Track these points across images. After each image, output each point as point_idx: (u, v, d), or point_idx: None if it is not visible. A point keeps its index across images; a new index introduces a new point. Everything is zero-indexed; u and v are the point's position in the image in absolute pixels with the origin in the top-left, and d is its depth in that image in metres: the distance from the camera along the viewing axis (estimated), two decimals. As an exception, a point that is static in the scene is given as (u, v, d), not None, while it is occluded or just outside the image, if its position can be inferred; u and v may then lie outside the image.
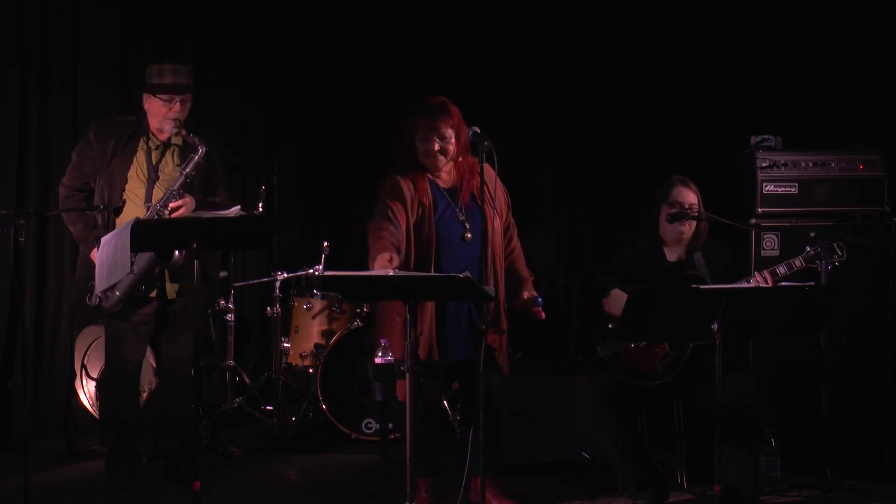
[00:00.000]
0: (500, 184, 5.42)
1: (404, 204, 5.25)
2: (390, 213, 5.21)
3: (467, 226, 5.32)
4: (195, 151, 5.71)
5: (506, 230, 5.50)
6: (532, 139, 7.65)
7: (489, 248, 5.27)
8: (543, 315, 5.42)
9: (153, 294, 5.78)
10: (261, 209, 7.13)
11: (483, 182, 5.22)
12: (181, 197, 5.67)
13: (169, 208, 5.64)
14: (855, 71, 6.90)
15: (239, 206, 5.45)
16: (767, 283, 5.46)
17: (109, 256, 5.38)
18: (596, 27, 7.59)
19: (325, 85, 7.87)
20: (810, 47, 7.02)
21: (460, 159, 5.35)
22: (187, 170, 5.70)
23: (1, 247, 6.79)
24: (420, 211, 5.27)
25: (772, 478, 5.97)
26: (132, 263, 5.42)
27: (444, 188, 5.36)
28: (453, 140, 5.30)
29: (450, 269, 5.15)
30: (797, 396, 6.13)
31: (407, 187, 5.28)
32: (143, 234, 5.28)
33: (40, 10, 7.19)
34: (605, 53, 7.59)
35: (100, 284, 5.49)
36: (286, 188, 7.44)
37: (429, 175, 5.34)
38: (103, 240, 5.48)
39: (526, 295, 5.46)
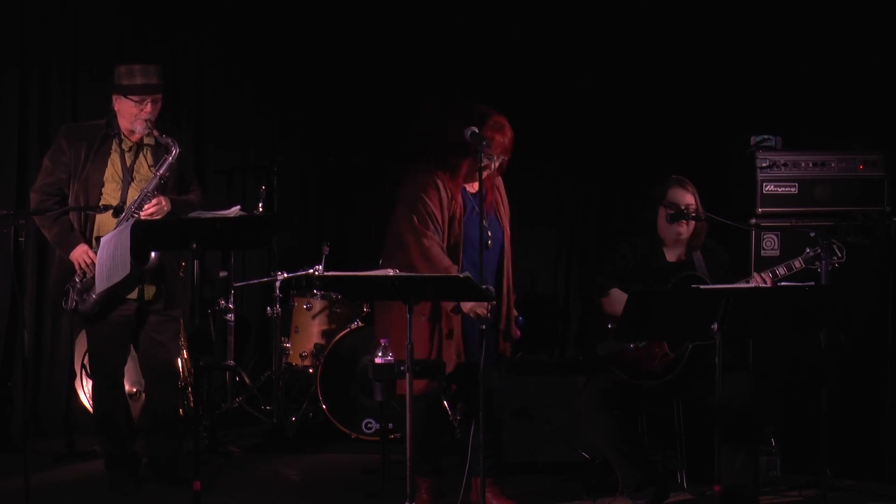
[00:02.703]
0: (506, 197, 5.51)
1: (440, 203, 5.27)
2: (428, 218, 5.22)
3: (489, 233, 5.35)
4: (168, 153, 5.68)
5: None
6: (533, 139, 7.61)
7: (506, 257, 5.40)
8: (519, 334, 5.51)
9: (133, 295, 5.76)
10: (261, 209, 7.13)
11: (480, 187, 5.22)
12: (155, 198, 5.66)
13: (144, 210, 5.63)
14: (855, 71, 6.91)
15: (239, 206, 5.44)
16: (767, 285, 5.46)
17: (109, 257, 5.38)
18: (597, 27, 7.59)
19: (326, 85, 7.86)
20: (810, 47, 7.03)
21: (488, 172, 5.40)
22: (161, 171, 5.67)
23: (1, 247, 6.81)
24: (451, 211, 5.29)
25: (772, 477, 5.98)
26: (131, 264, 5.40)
27: (471, 193, 5.38)
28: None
29: (473, 276, 5.16)
30: (797, 396, 6.14)
31: (443, 185, 5.30)
32: (144, 234, 5.29)
33: (40, 10, 7.19)
34: (607, 53, 7.59)
35: (100, 285, 5.49)
36: (286, 188, 7.43)
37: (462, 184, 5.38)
38: (103, 240, 5.48)
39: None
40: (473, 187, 5.39)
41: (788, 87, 7.06)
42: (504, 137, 5.31)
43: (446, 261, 5.19)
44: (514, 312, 5.53)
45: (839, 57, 6.95)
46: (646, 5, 7.46)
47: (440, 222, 5.26)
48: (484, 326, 5.09)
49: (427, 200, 5.25)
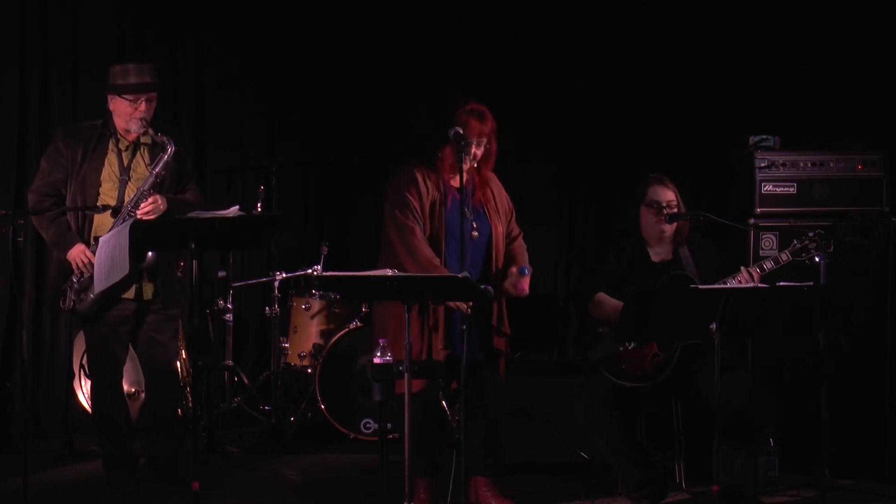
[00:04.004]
0: (505, 194, 5.54)
1: (419, 195, 5.29)
2: (409, 211, 5.25)
3: (475, 225, 5.36)
4: (164, 150, 5.68)
5: (508, 234, 5.54)
6: (533, 139, 7.64)
7: (496, 251, 5.37)
8: (527, 288, 5.37)
9: (130, 295, 5.76)
10: (259, 209, 7.13)
11: (461, 182, 5.20)
12: (151, 196, 5.66)
13: (140, 209, 5.62)
14: (854, 71, 6.91)
15: (238, 206, 5.44)
16: (754, 279, 5.46)
17: (108, 257, 5.38)
18: (597, 27, 7.59)
19: (326, 85, 7.86)
20: (809, 47, 7.03)
21: (475, 165, 5.39)
22: (157, 170, 5.68)
23: (-1, 247, 6.80)
24: (431, 203, 5.30)
25: (770, 477, 5.98)
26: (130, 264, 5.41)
27: (455, 186, 5.37)
28: (484, 146, 5.36)
29: (455, 265, 5.20)
30: (796, 396, 6.13)
31: (422, 178, 5.32)
32: (142, 234, 5.29)
33: (40, 10, 7.19)
34: (607, 53, 7.59)
35: (99, 285, 5.49)
36: (285, 188, 7.43)
37: (446, 176, 5.38)
38: (101, 240, 5.49)
39: (513, 269, 5.43)
40: (456, 181, 5.39)
41: (787, 87, 7.06)
42: (478, 121, 5.32)
43: (427, 251, 5.20)
44: (523, 264, 5.46)
45: (838, 57, 6.95)
46: (645, 5, 7.46)
47: (419, 213, 5.28)
48: (465, 327, 5.06)
49: (406, 194, 5.28)
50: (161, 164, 5.68)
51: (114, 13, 7.39)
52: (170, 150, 5.68)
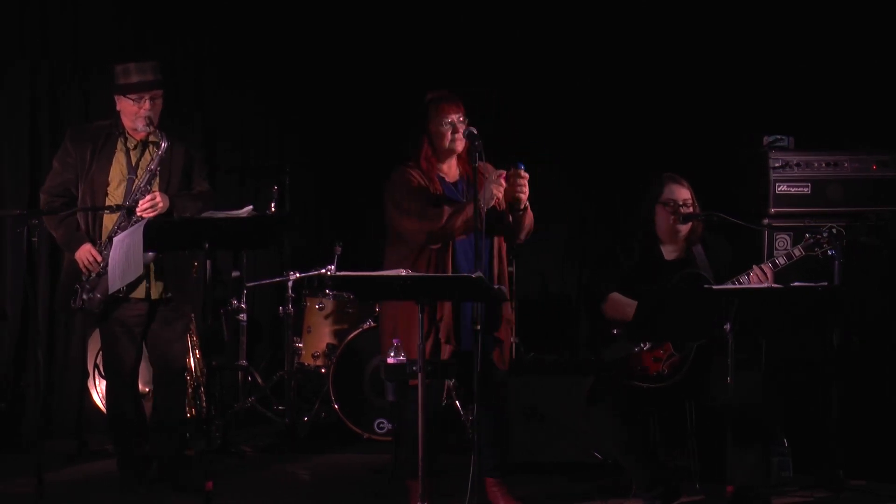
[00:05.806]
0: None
1: (419, 186, 5.28)
2: (412, 194, 5.24)
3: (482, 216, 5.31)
4: (157, 147, 5.71)
5: None
6: (538, 138, 7.63)
7: (496, 241, 5.33)
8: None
9: (140, 294, 5.76)
10: (273, 209, 7.13)
11: (475, 182, 5.15)
12: (149, 193, 5.66)
13: (139, 206, 5.62)
14: (868, 71, 6.90)
15: (251, 207, 5.44)
16: (767, 275, 5.44)
17: (122, 257, 5.39)
18: (601, 26, 7.57)
19: (335, 84, 7.83)
20: (823, 47, 7.01)
21: (464, 155, 5.37)
22: (152, 166, 5.70)
23: (14, 247, 6.82)
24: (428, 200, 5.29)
25: (784, 478, 5.96)
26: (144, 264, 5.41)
27: (449, 182, 5.37)
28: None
29: (462, 261, 5.19)
30: (808, 396, 6.12)
31: (419, 178, 5.30)
32: (156, 233, 5.30)
33: (40, 10, 7.23)
34: (612, 53, 7.57)
35: (113, 285, 5.50)
36: (298, 189, 7.42)
37: (436, 170, 5.35)
38: (115, 240, 5.49)
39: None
40: (450, 175, 5.37)
41: (801, 88, 7.04)
42: (448, 101, 5.32)
43: (441, 211, 5.17)
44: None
45: (852, 57, 6.94)
46: (652, 4, 7.44)
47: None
48: (479, 327, 5.01)
49: (405, 186, 5.27)
50: (156, 161, 5.69)
51: (114, 13, 7.39)
52: (163, 145, 5.69)
